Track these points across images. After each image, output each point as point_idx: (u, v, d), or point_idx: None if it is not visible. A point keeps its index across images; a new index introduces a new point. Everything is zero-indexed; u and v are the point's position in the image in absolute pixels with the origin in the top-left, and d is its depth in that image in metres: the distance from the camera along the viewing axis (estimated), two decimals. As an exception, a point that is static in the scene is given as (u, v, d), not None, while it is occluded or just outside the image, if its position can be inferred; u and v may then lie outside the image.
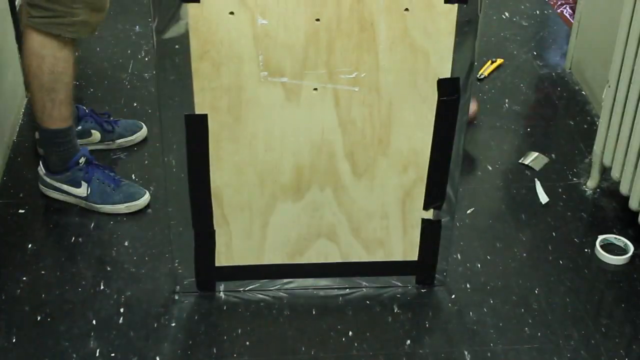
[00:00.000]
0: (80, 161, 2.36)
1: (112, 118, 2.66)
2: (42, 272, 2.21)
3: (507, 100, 2.93)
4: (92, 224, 2.36)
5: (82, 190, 2.36)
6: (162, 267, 2.23)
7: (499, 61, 3.11)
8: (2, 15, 2.70)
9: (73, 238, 2.31)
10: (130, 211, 2.37)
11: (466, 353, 2.02)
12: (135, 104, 2.85)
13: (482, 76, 3.03)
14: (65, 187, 2.37)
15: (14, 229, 2.34)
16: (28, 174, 2.54)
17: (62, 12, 2.11)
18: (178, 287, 2.14)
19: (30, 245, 2.28)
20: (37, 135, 2.49)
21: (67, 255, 2.26)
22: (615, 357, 2.02)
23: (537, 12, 3.48)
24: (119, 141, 2.63)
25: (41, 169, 2.40)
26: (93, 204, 2.37)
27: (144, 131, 2.67)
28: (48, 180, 2.39)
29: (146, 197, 2.39)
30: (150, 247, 2.29)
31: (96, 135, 2.57)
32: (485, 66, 3.08)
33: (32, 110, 2.32)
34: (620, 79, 2.30)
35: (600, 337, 2.06)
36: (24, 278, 2.18)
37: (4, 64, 2.68)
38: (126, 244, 2.30)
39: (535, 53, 3.20)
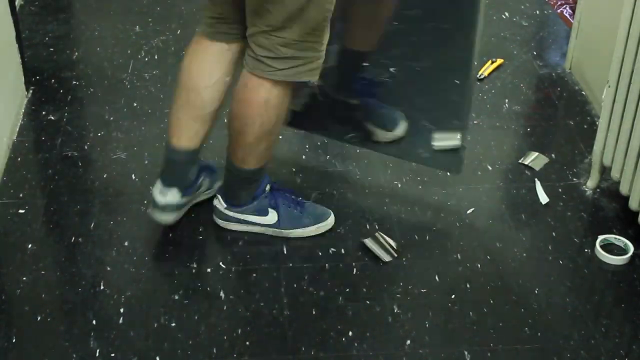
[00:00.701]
0: (265, 189, 2.27)
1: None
2: (42, 272, 2.21)
3: (507, 100, 2.93)
4: (92, 224, 2.36)
5: (271, 218, 2.28)
6: (162, 267, 2.23)
7: (499, 61, 3.11)
8: (2, 16, 2.70)
9: (73, 238, 2.31)
10: (319, 232, 2.31)
11: (466, 353, 2.02)
12: (135, 104, 2.85)
13: (482, 76, 3.03)
14: (251, 217, 2.28)
15: (14, 229, 2.34)
16: (28, 174, 2.54)
17: (312, 57, 2.03)
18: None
19: (30, 245, 2.28)
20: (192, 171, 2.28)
21: (67, 255, 2.26)
22: (615, 357, 2.02)
23: (537, 12, 3.48)
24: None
25: (220, 204, 2.29)
26: (283, 230, 2.29)
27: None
28: (230, 213, 2.29)
29: (332, 218, 2.33)
30: (150, 247, 2.29)
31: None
32: (485, 66, 3.08)
33: (230, 152, 2.19)
34: (620, 79, 2.30)
35: (600, 337, 2.06)
36: (24, 278, 2.18)
37: (5, 64, 2.69)
38: (126, 244, 2.30)
39: (535, 53, 3.20)
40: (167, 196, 2.23)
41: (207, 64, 2.15)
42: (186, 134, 2.18)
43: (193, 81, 2.16)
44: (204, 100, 2.15)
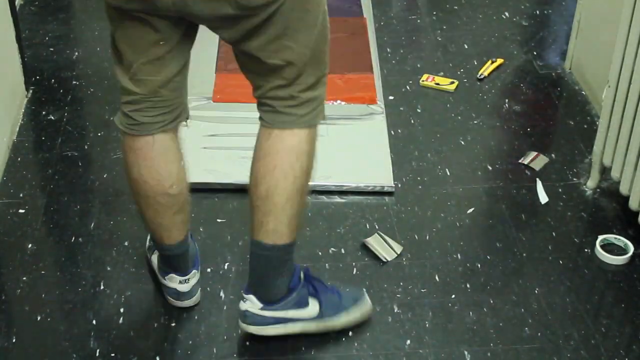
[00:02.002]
0: (301, 276, 1.97)
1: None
2: (42, 272, 2.21)
3: (507, 100, 2.93)
4: (92, 224, 2.36)
5: (313, 309, 1.97)
6: (162, 267, 2.23)
7: (499, 61, 3.11)
8: (2, 16, 2.70)
9: (73, 238, 2.31)
10: (363, 318, 2.05)
11: (466, 353, 2.02)
12: (135, 104, 2.84)
13: (482, 76, 3.03)
14: (291, 313, 1.96)
15: (14, 229, 2.34)
16: (28, 174, 2.54)
17: (324, 94, 1.86)
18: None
19: (30, 245, 2.28)
20: (155, 260, 2.13)
21: (67, 255, 2.26)
22: (615, 357, 2.02)
23: (537, 12, 3.48)
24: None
25: (254, 304, 1.94)
26: (328, 320, 2.00)
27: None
28: (268, 314, 1.94)
29: (366, 295, 2.08)
30: (150, 247, 2.29)
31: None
32: (485, 66, 3.08)
33: (256, 231, 1.88)
34: (620, 79, 2.30)
35: (600, 337, 2.06)
36: (24, 278, 2.18)
37: (5, 64, 2.68)
38: (126, 244, 2.30)
39: (535, 53, 3.20)
40: (191, 281, 2.08)
41: (161, 164, 1.89)
42: (175, 229, 1.99)
43: (155, 187, 1.90)
44: (176, 195, 1.92)
